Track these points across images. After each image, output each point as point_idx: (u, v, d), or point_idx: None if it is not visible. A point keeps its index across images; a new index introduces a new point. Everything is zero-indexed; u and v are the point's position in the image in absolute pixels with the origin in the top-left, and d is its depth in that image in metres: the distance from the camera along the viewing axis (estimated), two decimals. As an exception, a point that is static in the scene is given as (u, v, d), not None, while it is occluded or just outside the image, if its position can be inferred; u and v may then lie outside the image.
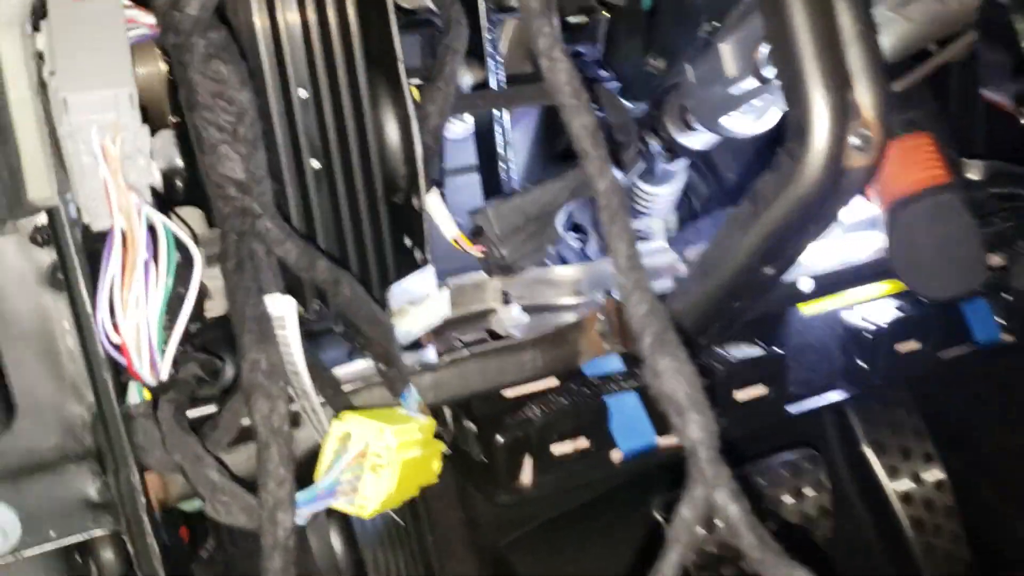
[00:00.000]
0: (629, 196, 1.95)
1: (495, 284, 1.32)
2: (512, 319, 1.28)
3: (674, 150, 1.78)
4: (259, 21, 0.93)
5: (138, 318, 0.75)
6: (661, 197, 1.94)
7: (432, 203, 1.13)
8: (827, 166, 0.84)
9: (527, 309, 1.30)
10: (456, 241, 1.14)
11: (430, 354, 1.12)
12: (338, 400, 1.00)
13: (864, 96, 0.84)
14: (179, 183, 1.12)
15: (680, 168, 1.88)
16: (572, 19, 1.62)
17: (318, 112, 1.02)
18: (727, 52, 1.45)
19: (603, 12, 1.60)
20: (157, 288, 0.75)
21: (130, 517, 0.95)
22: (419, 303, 1.04)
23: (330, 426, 0.90)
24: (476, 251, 1.14)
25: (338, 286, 0.93)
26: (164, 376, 0.79)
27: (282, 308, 0.90)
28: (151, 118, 0.95)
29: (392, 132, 1.07)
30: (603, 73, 1.55)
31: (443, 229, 1.14)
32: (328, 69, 1.02)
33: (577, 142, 0.73)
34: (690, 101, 1.61)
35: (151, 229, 0.78)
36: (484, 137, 1.47)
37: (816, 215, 0.89)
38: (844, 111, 0.83)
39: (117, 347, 0.76)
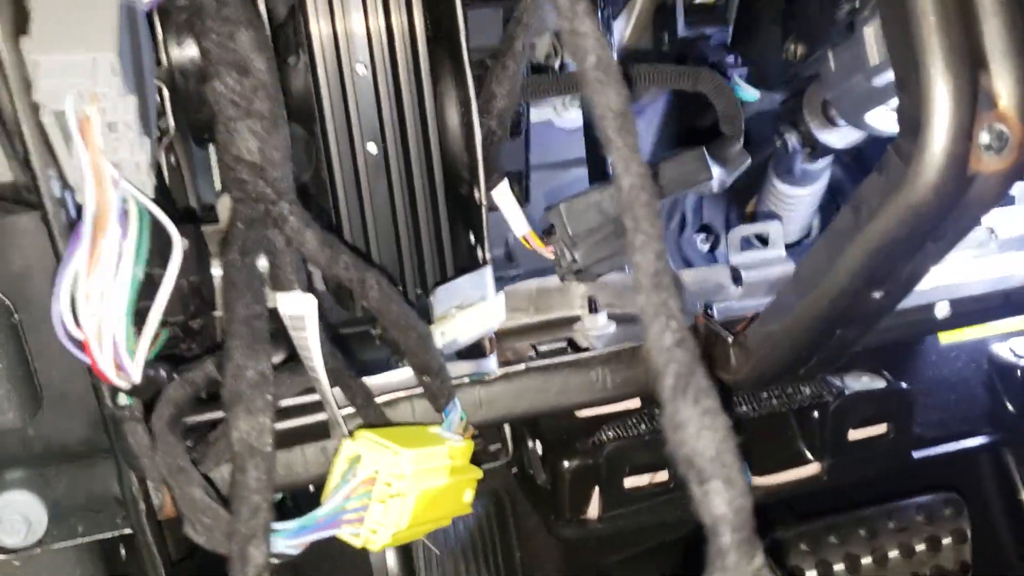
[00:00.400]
0: (768, 196, 1.77)
1: (582, 290, 1.19)
2: (597, 329, 1.14)
3: (816, 148, 1.60)
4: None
5: (100, 311, 0.65)
6: (800, 199, 1.75)
7: (500, 196, 1.00)
8: (947, 170, 0.66)
9: (617, 319, 1.16)
10: (526, 239, 1.01)
11: (490, 364, 1.00)
12: (370, 412, 0.89)
13: (1002, 81, 0.65)
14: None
15: (823, 167, 1.70)
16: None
17: (375, 91, 0.91)
18: (871, 37, 1.27)
19: (733, -9, 1.43)
20: (119, 276, 0.65)
21: (134, 523, 0.88)
22: (467, 307, 0.91)
23: (341, 444, 0.79)
24: (547, 252, 1.01)
25: (364, 285, 0.81)
26: (136, 379, 0.69)
27: (300, 307, 0.80)
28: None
29: (452, 116, 0.95)
30: (730, 59, 1.38)
31: (512, 225, 1.01)
32: (388, 44, 0.91)
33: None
34: (832, 93, 1.43)
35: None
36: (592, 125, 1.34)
37: (935, 231, 0.72)
38: (972, 100, 0.65)
39: (80, 344, 0.67)
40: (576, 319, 1.17)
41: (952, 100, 0.64)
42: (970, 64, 0.65)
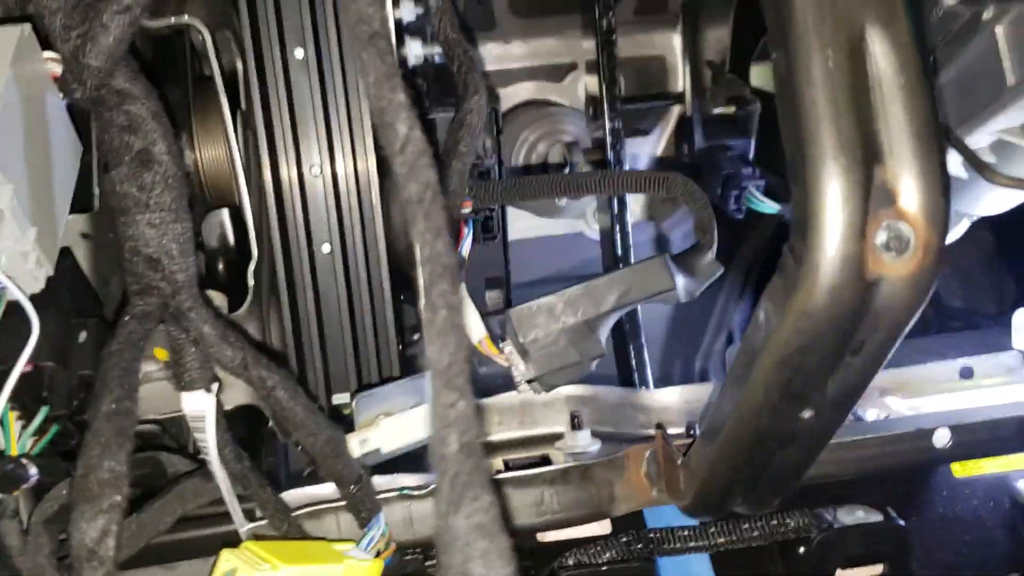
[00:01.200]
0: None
1: (564, 404, 1.13)
2: (579, 447, 1.07)
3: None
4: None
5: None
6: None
7: (455, 300, 0.96)
8: (840, 273, 0.59)
9: (604, 437, 1.09)
10: (480, 345, 0.96)
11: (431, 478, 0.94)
12: (283, 523, 0.85)
13: (900, 176, 0.59)
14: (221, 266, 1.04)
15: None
16: (719, 110, 1.42)
17: (325, 193, 0.90)
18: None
19: (756, 101, 1.39)
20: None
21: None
22: (394, 415, 0.87)
23: (220, 555, 0.74)
24: (500, 359, 0.96)
25: (265, 385, 0.78)
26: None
27: (198, 406, 0.77)
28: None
29: (397, 217, 0.92)
30: (747, 170, 1.32)
31: (469, 329, 0.97)
32: (331, 148, 0.90)
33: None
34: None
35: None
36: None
37: (847, 342, 0.64)
38: (864, 195, 0.58)
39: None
40: (557, 436, 1.11)
41: (840, 194, 0.58)
42: (863, 157, 0.58)
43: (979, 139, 1.01)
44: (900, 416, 1.04)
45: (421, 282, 0.54)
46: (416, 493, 0.90)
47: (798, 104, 0.59)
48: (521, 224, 1.57)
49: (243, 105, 0.92)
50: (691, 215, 0.99)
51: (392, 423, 0.85)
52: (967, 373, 1.14)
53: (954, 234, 1.28)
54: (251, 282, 0.95)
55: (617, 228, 1.35)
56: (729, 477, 0.78)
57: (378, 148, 0.89)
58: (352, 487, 0.84)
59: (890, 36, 0.59)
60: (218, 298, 0.97)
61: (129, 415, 0.71)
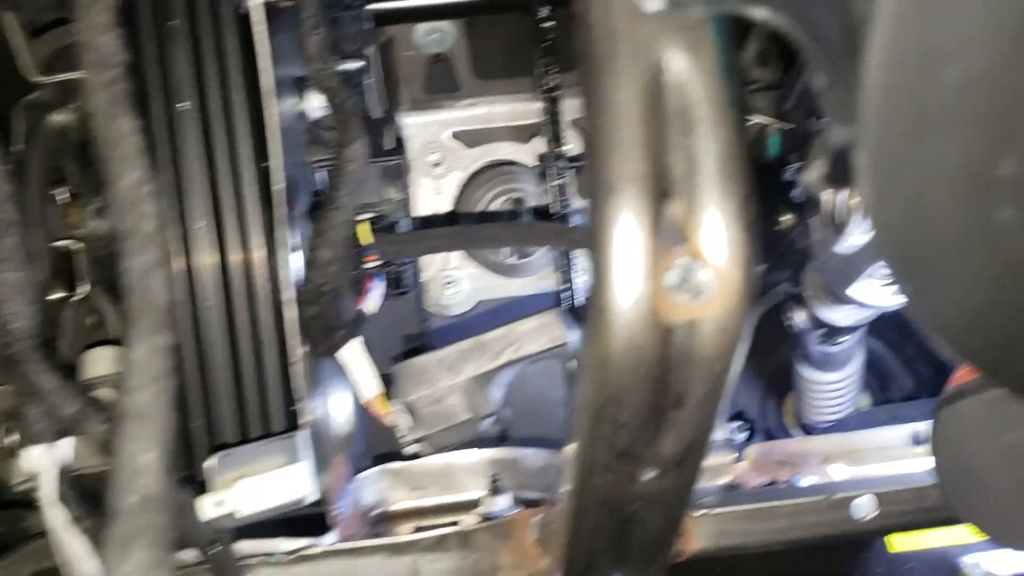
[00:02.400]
0: (799, 382, 1.62)
1: (488, 467, 1.08)
2: (495, 513, 1.02)
3: (829, 328, 1.44)
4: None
5: None
6: (829, 386, 1.58)
7: (348, 355, 0.93)
8: (631, 318, 0.54)
9: (529, 503, 1.04)
10: (370, 404, 0.93)
11: (326, 540, 0.90)
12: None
13: (695, 212, 0.54)
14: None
15: (846, 349, 1.52)
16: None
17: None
18: (829, 198, 1.16)
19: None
20: None
21: None
22: (254, 476, 0.83)
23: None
24: (386, 419, 0.92)
25: (101, 442, 0.75)
26: None
27: (35, 464, 0.74)
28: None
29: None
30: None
31: (359, 388, 0.93)
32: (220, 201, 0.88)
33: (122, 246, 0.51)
34: (818, 265, 1.31)
35: None
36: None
37: (664, 395, 0.59)
38: (652, 233, 0.53)
39: None
40: (477, 502, 1.06)
41: (625, 231, 0.53)
42: (651, 191, 0.54)
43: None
44: (828, 482, 0.97)
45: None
46: (281, 559, 0.85)
47: (591, 135, 0.55)
48: (487, 283, 1.54)
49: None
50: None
51: (251, 485, 0.82)
52: (919, 438, 1.06)
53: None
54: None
55: (569, 285, 1.31)
56: (586, 543, 0.72)
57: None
58: (210, 549, 0.80)
59: (692, 67, 0.55)
60: (114, 354, 0.95)
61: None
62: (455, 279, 1.48)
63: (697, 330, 0.54)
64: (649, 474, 0.65)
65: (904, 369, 1.74)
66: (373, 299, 0.99)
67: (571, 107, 1.45)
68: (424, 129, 1.53)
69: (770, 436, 1.68)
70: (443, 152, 1.51)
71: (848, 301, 1.28)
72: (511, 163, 1.54)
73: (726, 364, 0.56)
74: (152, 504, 0.48)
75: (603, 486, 0.65)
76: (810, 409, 1.60)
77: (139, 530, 0.47)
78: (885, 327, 1.75)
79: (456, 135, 1.53)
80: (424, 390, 0.87)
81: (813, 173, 1.00)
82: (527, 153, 1.56)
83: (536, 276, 1.52)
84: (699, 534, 0.87)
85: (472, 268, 1.53)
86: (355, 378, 0.92)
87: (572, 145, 1.53)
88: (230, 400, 0.87)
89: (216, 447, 0.84)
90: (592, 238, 0.55)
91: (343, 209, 0.86)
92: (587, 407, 0.60)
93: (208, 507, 0.80)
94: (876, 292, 1.24)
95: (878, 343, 1.76)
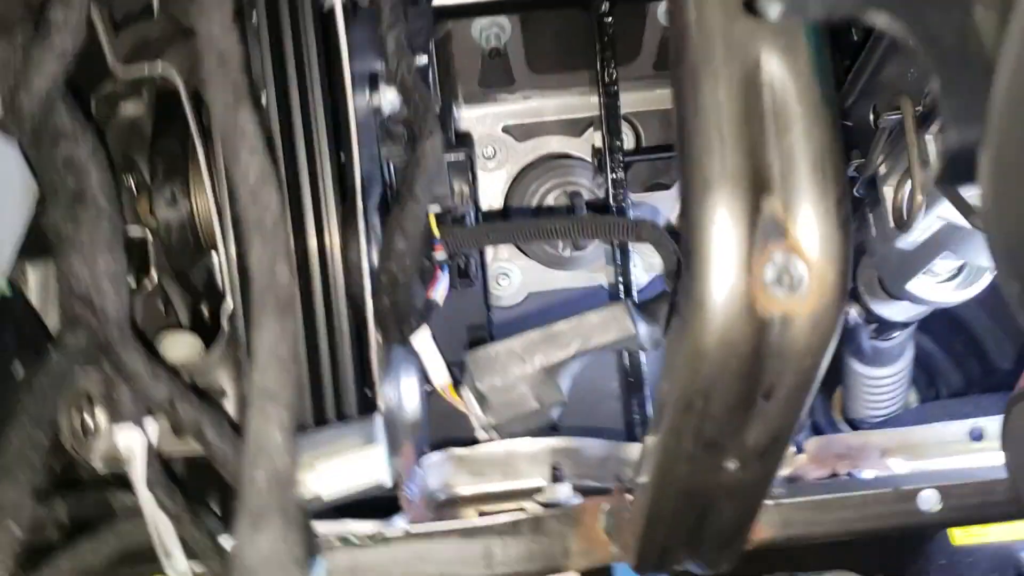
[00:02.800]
0: (848, 378, 1.62)
1: (548, 456, 1.10)
2: (557, 501, 1.04)
3: (881, 323, 1.45)
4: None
5: None
6: (881, 381, 1.58)
7: (420, 343, 0.95)
8: (728, 311, 0.55)
9: (588, 491, 1.05)
10: (443, 391, 0.95)
11: (398, 524, 0.92)
12: (214, 563, 0.83)
13: (792, 208, 0.55)
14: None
15: (898, 344, 1.53)
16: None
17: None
18: (889, 194, 1.16)
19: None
20: None
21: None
22: (334, 458, 0.85)
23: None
24: (460, 405, 0.94)
25: (194, 424, 0.77)
26: None
27: (126, 441, 0.77)
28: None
29: (353, 257, 0.91)
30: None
31: (431, 375, 0.95)
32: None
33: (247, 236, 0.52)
34: (876, 261, 1.31)
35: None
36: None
37: (754, 386, 0.60)
38: (748, 226, 0.55)
39: None
40: (537, 490, 1.08)
41: (723, 226, 0.55)
42: (750, 187, 0.55)
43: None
44: (890, 475, 0.98)
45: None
46: (360, 541, 0.87)
47: (686, 134, 0.57)
48: (538, 276, 1.56)
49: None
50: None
51: (329, 467, 0.84)
52: (977, 434, 1.07)
53: (975, 288, 1.22)
54: (224, 325, 0.95)
55: (620, 279, 1.32)
56: (663, 533, 0.74)
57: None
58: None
59: (787, 66, 0.57)
60: (191, 341, 0.98)
61: (39, 447, 0.71)
62: (507, 271, 1.50)
63: (791, 325, 0.56)
64: (731, 465, 0.66)
65: (953, 366, 1.73)
66: (441, 288, 1.01)
67: (627, 101, 1.46)
68: (478, 123, 1.55)
69: (817, 430, 1.68)
70: (495, 145, 1.53)
71: (904, 297, 1.28)
72: (565, 156, 1.56)
73: (818, 359, 0.57)
74: (282, 481, 0.50)
75: (685, 476, 0.67)
76: (859, 404, 1.61)
77: (270, 505, 0.49)
78: (934, 323, 1.75)
79: (506, 129, 1.55)
80: (496, 379, 0.89)
81: (884, 169, 1.01)
82: (578, 147, 1.58)
83: (586, 269, 1.54)
84: (765, 524, 0.88)
85: (523, 261, 1.55)
86: (427, 365, 0.94)
87: (628, 139, 1.54)
88: (307, 383, 0.89)
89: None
90: (688, 234, 0.56)
91: (419, 201, 0.87)
92: (675, 398, 0.61)
93: (290, 489, 0.82)
94: (934, 288, 1.24)
95: (927, 339, 1.75)
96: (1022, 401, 0.73)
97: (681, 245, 0.58)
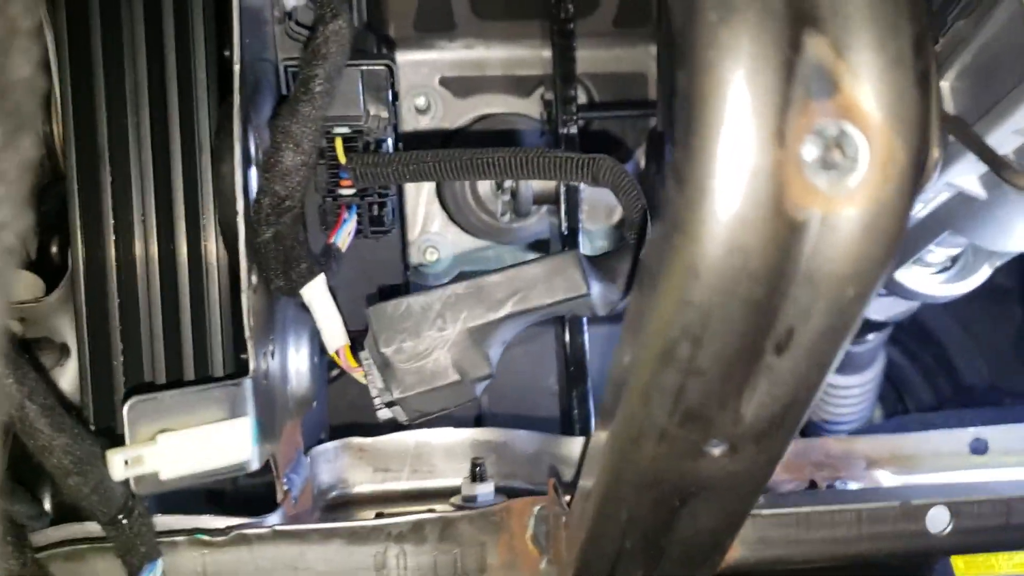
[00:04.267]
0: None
1: (468, 450, 0.90)
2: (475, 503, 0.84)
3: (853, 324, 1.27)
4: None
5: None
6: (848, 391, 1.42)
7: (312, 294, 0.74)
8: (746, 205, 0.36)
9: (515, 492, 0.86)
10: (337, 356, 0.74)
11: (269, 520, 0.72)
12: (16, 563, 0.62)
13: (849, 49, 0.36)
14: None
15: (870, 349, 1.37)
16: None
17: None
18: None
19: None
20: None
21: None
22: (183, 431, 0.64)
23: None
24: (357, 374, 0.74)
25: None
26: None
27: None
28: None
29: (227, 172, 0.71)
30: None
31: (324, 336, 0.75)
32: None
33: None
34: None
35: None
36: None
37: (766, 328, 0.41)
38: (785, 78, 0.36)
39: None
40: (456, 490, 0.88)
41: (744, 72, 0.36)
42: (787, 16, 0.36)
43: (1003, 139, 0.79)
44: (889, 488, 0.80)
45: None
46: (215, 539, 0.66)
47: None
48: (472, 251, 1.37)
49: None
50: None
51: (177, 440, 0.63)
52: (980, 447, 0.90)
53: (970, 283, 1.06)
54: (70, 263, 0.75)
55: (565, 228, 1.14)
56: (613, 544, 0.54)
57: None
58: (121, 518, 0.61)
59: None
60: (32, 281, 0.77)
61: None
62: (435, 244, 1.31)
63: (834, 231, 0.37)
64: (717, 449, 0.47)
65: (922, 380, 1.58)
66: (345, 232, 0.81)
67: (581, 59, 1.29)
68: (411, 71, 1.36)
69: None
70: (430, 97, 1.34)
71: (890, 289, 1.12)
72: (506, 115, 1.37)
73: (867, 286, 0.39)
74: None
75: (651, 462, 0.48)
76: (818, 416, 1.45)
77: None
78: (904, 334, 1.60)
79: (444, 81, 1.36)
80: (405, 341, 0.69)
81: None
82: (525, 109, 1.39)
83: (529, 244, 1.35)
84: (737, 540, 0.70)
85: (455, 233, 1.35)
86: (319, 321, 0.74)
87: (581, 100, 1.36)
88: (160, 333, 0.68)
89: (135, 388, 0.65)
90: (681, 85, 0.37)
91: (315, 103, 0.67)
92: (649, 345, 0.42)
93: (118, 464, 0.61)
94: (925, 280, 1.08)
95: (895, 350, 1.61)
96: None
97: (664, 110, 0.39)
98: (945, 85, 0.86)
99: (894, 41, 0.36)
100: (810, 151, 0.36)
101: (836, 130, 0.36)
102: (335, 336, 0.74)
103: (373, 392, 0.71)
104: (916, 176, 0.36)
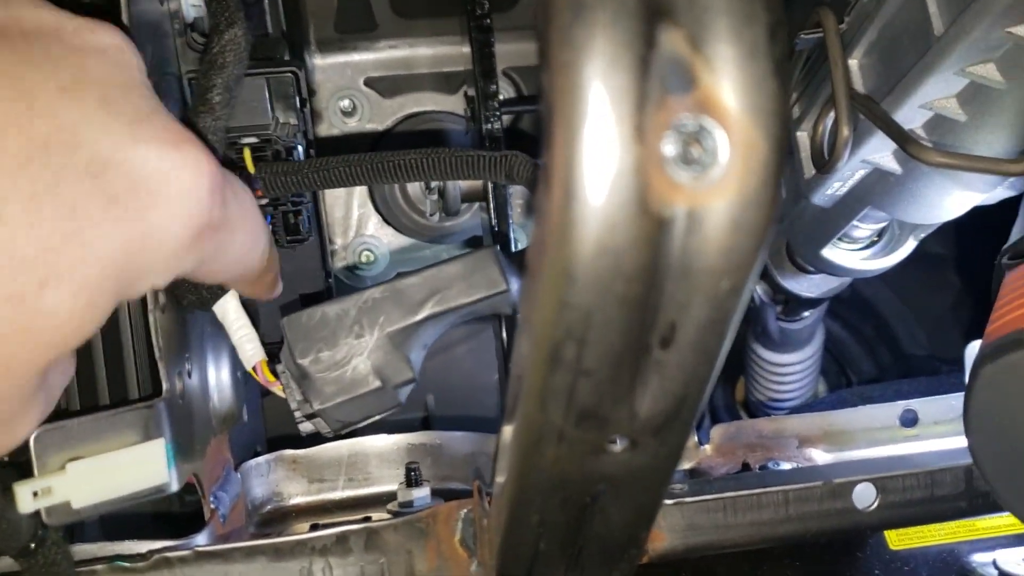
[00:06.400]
0: (751, 366, 1.46)
1: (404, 455, 0.90)
2: (415, 507, 0.84)
3: (788, 301, 1.29)
4: None
5: None
6: (788, 368, 1.43)
7: (224, 311, 0.74)
8: (610, 204, 0.36)
9: (452, 495, 0.85)
10: (255, 372, 0.73)
11: (199, 539, 0.71)
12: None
13: (705, 42, 0.36)
14: None
15: (807, 326, 1.38)
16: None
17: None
18: (804, 137, 1.00)
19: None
20: None
21: None
22: (92, 458, 0.63)
23: None
24: (276, 388, 0.73)
25: None
26: None
27: None
28: None
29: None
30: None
31: (238, 349, 0.74)
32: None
33: None
34: (787, 227, 1.15)
35: None
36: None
37: (649, 322, 0.41)
38: (641, 72, 0.35)
39: None
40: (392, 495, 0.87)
41: (594, 68, 0.35)
42: (640, 9, 0.36)
43: (909, 115, 0.80)
44: (815, 466, 0.81)
45: None
46: (135, 564, 0.65)
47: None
48: (407, 252, 1.37)
49: None
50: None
51: (87, 467, 0.62)
52: (910, 419, 0.91)
53: (897, 256, 1.07)
54: None
55: (494, 224, 1.13)
56: (529, 546, 0.54)
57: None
58: (33, 548, 0.60)
59: None
60: None
61: None
62: (371, 246, 1.31)
63: (701, 225, 0.37)
64: (617, 445, 0.47)
65: (864, 352, 1.60)
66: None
67: (506, 53, 1.29)
68: (336, 74, 1.35)
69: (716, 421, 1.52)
70: (356, 100, 1.33)
71: (818, 267, 1.13)
72: (431, 112, 1.36)
73: (741, 277, 0.39)
74: None
75: (554, 463, 0.47)
76: (762, 394, 1.46)
77: None
78: (842, 307, 1.62)
79: (370, 82, 1.35)
80: (322, 350, 0.69)
81: (796, 111, 0.84)
82: (453, 106, 1.39)
83: (462, 242, 1.35)
84: (664, 529, 0.70)
85: (389, 235, 1.35)
86: (234, 340, 0.73)
87: (507, 94, 1.36)
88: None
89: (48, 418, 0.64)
90: (545, 88, 0.37)
91: (214, 112, 0.66)
92: (537, 348, 0.42)
93: (25, 497, 0.60)
94: (851, 256, 1.09)
95: (835, 324, 1.62)
96: (994, 361, 0.56)
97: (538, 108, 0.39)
98: (853, 63, 0.86)
99: (749, 30, 0.36)
100: (670, 147, 0.36)
101: (695, 125, 0.36)
102: (251, 352, 0.73)
103: (293, 405, 0.71)
104: (779, 165, 0.36)
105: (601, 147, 0.35)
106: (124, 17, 0.65)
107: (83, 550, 0.65)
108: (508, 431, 0.51)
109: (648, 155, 0.35)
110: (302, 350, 0.69)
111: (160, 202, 0.47)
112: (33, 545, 0.60)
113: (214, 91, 0.66)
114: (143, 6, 0.72)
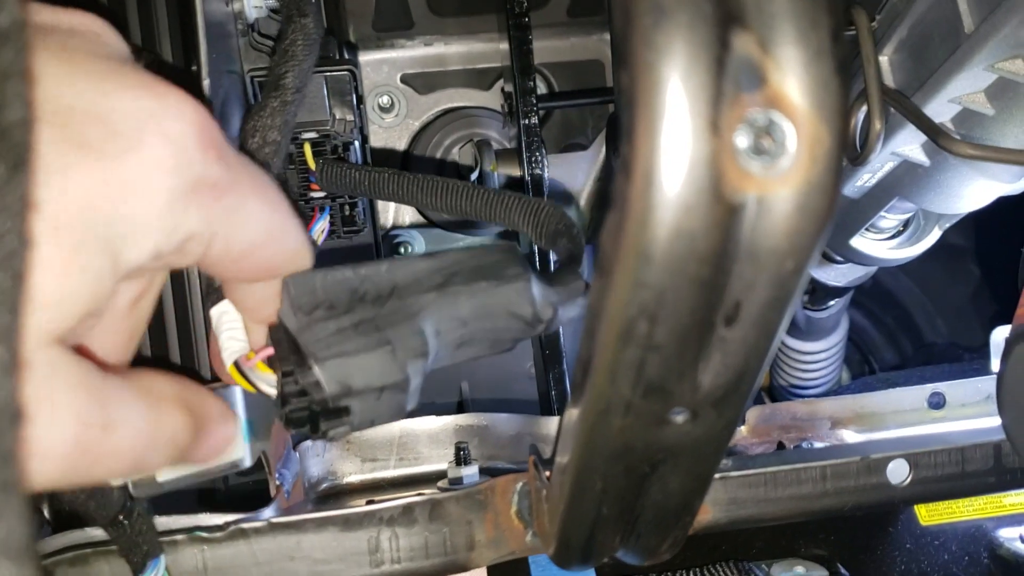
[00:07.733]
0: (778, 355, 1.49)
1: (452, 435, 0.94)
2: (464, 484, 0.87)
3: (815, 290, 1.32)
4: None
5: None
6: (813, 357, 1.47)
7: (219, 317, 0.74)
8: (685, 191, 0.40)
9: (499, 473, 0.89)
10: (236, 368, 0.71)
11: (267, 513, 0.75)
12: (20, 569, 0.65)
13: (773, 44, 0.40)
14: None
15: (833, 315, 1.41)
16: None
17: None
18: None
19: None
20: None
21: None
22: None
23: None
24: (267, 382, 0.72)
25: None
26: None
27: None
28: None
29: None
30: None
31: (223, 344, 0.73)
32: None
33: None
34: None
35: None
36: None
37: (716, 301, 0.45)
38: (717, 72, 0.39)
39: None
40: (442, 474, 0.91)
41: (679, 69, 0.39)
42: (715, 14, 0.40)
43: (939, 109, 0.84)
44: (852, 444, 0.85)
45: None
46: (212, 535, 0.70)
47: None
48: (442, 244, 1.40)
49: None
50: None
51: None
52: (937, 402, 0.94)
53: (923, 245, 1.10)
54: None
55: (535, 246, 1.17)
56: (591, 513, 0.58)
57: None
58: (122, 519, 0.64)
59: None
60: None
61: None
62: (408, 241, 1.34)
63: (770, 211, 0.41)
64: (679, 417, 0.51)
65: (886, 341, 1.63)
66: (319, 227, 0.84)
67: (538, 50, 1.32)
68: (373, 71, 1.39)
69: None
70: (393, 96, 1.37)
71: (846, 256, 1.16)
72: (468, 107, 1.40)
73: (803, 258, 0.42)
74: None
75: (620, 434, 0.51)
76: (787, 381, 1.49)
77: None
78: (865, 297, 1.65)
79: (406, 79, 1.39)
80: (327, 308, 0.69)
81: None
82: (486, 102, 1.43)
83: (499, 234, 1.38)
84: (708, 502, 0.74)
85: (426, 226, 1.39)
86: (224, 344, 0.75)
87: (540, 90, 1.40)
88: (147, 342, 0.71)
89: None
90: (625, 86, 0.41)
91: (283, 94, 0.68)
92: (610, 324, 0.45)
93: (116, 471, 0.64)
94: (879, 246, 1.13)
95: (858, 314, 1.65)
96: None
97: (617, 104, 0.42)
98: (884, 59, 0.90)
99: (814, 34, 0.39)
100: (743, 139, 0.39)
101: (765, 119, 0.39)
102: (233, 344, 0.72)
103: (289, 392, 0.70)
104: (841, 156, 0.40)
105: (680, 139, 0.39)
106: (200, 24, 0.69)
107: (162, 522, 0.69)
108: (573, 412, 0.55)
109: (723, 147, 0.39)
110: (304, 305, 0.67)
111: (137, 147, 0.42)
112: (122, 516, 0.64)
113: (285, 79, 0.68)
114: (211, 6, 0.76)
